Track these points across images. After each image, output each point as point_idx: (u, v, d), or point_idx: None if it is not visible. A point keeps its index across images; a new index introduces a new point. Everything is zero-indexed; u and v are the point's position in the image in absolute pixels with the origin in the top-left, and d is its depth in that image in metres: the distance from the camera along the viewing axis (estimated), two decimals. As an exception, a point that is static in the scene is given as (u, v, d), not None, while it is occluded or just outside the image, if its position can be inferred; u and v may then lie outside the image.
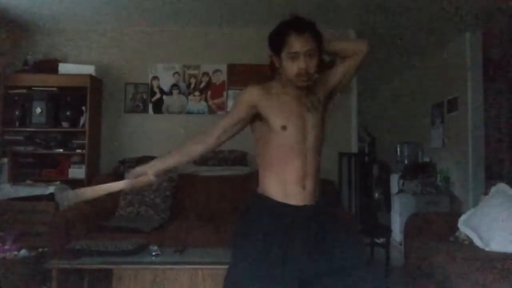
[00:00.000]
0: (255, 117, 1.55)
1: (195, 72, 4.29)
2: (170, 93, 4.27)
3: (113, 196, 3.51)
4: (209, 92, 4.27)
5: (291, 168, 1.49)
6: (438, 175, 4.79)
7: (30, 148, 3.95)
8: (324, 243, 1.45)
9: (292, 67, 1.47)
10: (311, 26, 1.49)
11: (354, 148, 4.26)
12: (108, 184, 1.71)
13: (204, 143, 1.57)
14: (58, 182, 3.76)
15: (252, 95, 1.53)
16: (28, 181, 3.82)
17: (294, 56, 1.46)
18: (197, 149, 1.59)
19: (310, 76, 1.48)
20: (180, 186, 3.62)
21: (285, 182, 1.48)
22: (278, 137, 1.49)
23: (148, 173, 1.59)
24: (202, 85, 4.27)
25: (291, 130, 1.49)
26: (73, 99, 4.04)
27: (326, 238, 1.46)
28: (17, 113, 3.97)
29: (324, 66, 1.60)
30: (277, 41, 1.49)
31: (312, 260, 1.41)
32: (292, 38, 1.46)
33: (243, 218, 1.58)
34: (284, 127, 1.49)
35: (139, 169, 1.61)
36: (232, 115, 1.56)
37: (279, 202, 1.48)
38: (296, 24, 1.48)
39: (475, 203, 3.20)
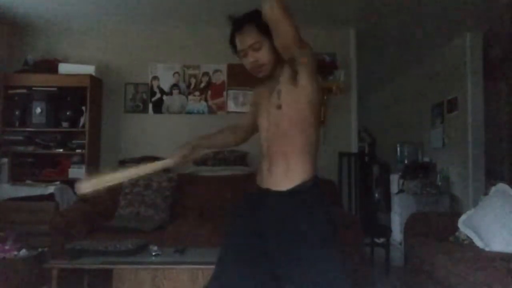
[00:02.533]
0: None
1: (195, 72, 4.29)
2: (170, 93, 4.27)
3: (113, 196, 3.52)
4: (209, 92, 4.27)
5: (262, 153, 1.58)
6: (438, 175, 4.79)
7: (30, 148, 3.95)
8: (281, 228, 1.43)
9: (246, 64, 1.58)
10: (249, 20, 1.54)
11: (354, 148, 4.26)
12: (151, 164, 1.76)
13: (240, 133, 1.79)
14: (58, 182, 3.76)
15: (253, 95, 1.75)
16: (28, 181, 3.82)
17: (243, 54, 1.56)
18: (233, 137, 1.79)
19: (264, 66, 1.55)
20: (180, 186, 3.62)
21: (260, 168, 1.58)
22: (258, 128, 1.64)
23: (193, 147, 1.71)
24: (202, 85, 4.27)
25: (260, 120, 1.61)
26: (73, 99, 4.04)
27: (282, 228, 1.43)
28: (17, 113, 3.97)
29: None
30: (231, 45, 1.60)
31: (270, 240, 1.45)
32: (236, 38, 1.56)
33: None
34: (257, 118, 1.64)
35: (181, 149, 1.72)
36: (248, 113, 1.78)
37: (256, 185, 1.59)
38: (235, 24, 1.57)
39: (475, 203, 3.20)
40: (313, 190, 1.47)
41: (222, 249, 1.54)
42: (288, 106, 1.49)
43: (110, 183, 1.58)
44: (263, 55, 1.52)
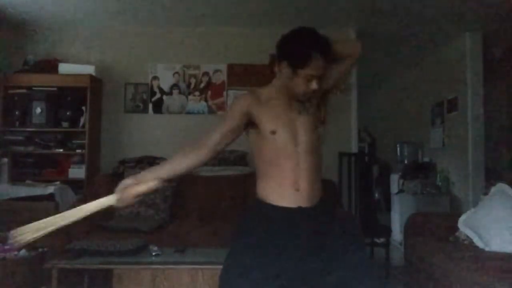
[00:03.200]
0: (249, 125, 1.54)
1: (195, 72, 4.28)
2: (170, 93, 4.27)
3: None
4: (209, 92, 4.27)
5: (283, 171, 1.48)
6: (438, 175, 4.79)
7: (30, 148, 3.95)
8: (320, 246, 1.44)
9: (303, 85, 1.46)
10: (328, 45, 1.46)
11: (354, 148, 4.26)
12: (95, 202, 1.61)
13: (196, 156, 1.51)
14: (58, 182, 3.75)
15: (244, 103, 1.52)
16: (28, 181, 3.81)
17: (309, 78, 1.45)
18: (192, 159, 1.51)
19: (315, 94, 1.52)
20: (180, 186, 3.62)
21: (279, 185, 1.48)
22: (269, 142, 1.49)
23: (137, 181, 1.55)
24: (202, 85, 4.27)
25: (280, 134, 1.48)
26: (73, 99, 4.04)
27: (323, 241, 1.45)
28: (17, 113, 3.97)
29: None
30: (300, 58, 1.42)
31: (306, 262, 1.41)
32: (317, 61, 1.42)
33: (241, 221, 1.59)
34: (273, 132, 1.48)
35: (125, 181, 1.55)
36: (225, 125, 1.53)
37: (273, 205, 1.48)
38: (319, 45, 1.43)
39: (475, 203, 3.20)
40: (328, 200, 1.62)
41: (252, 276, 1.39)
42: (319, 128, 1.57)
43: (48, 230, 1.48)
44: (321, 84, 1.50)
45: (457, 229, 2.80)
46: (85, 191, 3.80)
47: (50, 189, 3.57)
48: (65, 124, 3.99)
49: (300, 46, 1.43)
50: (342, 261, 1.43)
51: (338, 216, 1.57)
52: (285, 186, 1.47)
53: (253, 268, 1.39)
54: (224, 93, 4.26)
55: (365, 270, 1.43)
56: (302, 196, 1.47)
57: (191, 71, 4.28)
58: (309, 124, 1.53)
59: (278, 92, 1.54)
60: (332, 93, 1.65)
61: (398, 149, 5.66)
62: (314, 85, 1.45)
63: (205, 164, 1.57)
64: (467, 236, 2.70)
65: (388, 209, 5.53)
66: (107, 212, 3.35)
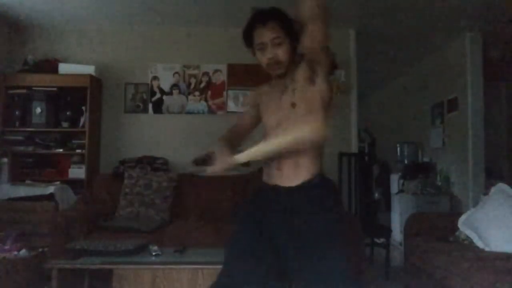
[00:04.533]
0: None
1: (195, 72, 4.29)
2: (170, 93, 4.27)
3: (113, 196, 3.53)
4: (209, 92, 4.27)
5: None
6: (438, 175, 4.79)
7: (30, 148, 3.95)
8: (293, 227, 1.45)
9: (262, 59, 1.56)
10: (274, 15, 1.52)
11: (354, 148, 4.26)
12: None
13: (242, 130, 1.75)
14: (58, 182, 3.76)
15: (253, 96, 1.74)
16: (28, 181, 3.82)
17: (261, 47, 1.54)
18: (240, 133, 1.75)
19: (281, 64, 1.54)
20: (180, 186, 3.62)
21: (268, 165, 1.58)
22: (264, 125, 1.65)
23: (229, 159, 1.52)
24: (202, 85, 4.27)
25: (268, 119, 1.62)
26: (73, 99, 4.04)
27: (297, 223, 1.45)
28: (17, 113, 3.97)
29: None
30: (245, 36, 1.58)
31: (279, 238, 1.47)
32: (256, 30, 1.53)
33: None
34: (264, 115, 1.64)
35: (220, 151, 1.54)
36: (244, 115, 1.79)
37: (264, 182, 1.61)
38: (258, 16, 1.54)
39: (475, 203, 3.20)
40: (320, 186, 1.52)
41: (229, 247, 1.54)
42: (302, 105, 1.52)
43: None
44: (282, 52, 1.53)
45: (457, 229, 2.80)
46: (85, 191, 3.80)
47: (50, 189, 3.58)
48: (65, 124, 3.99)
49: (245, 26, 1.58)
50: (314, 262, 1.38)
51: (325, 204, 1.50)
52: (271, 165, 1.56)
53: (237, 241, 1.54)
54: (224, 93, 4.26)
55: (330, 275, 1.35)
56: (282, 175, 1.53)
57: (191, 71, 4.28)
58: (287, 100, 1.55)
59: (271, 83, 1.66)
60: (314, 65, 1.50)
61: (398, 149, 5.66)
62: (267, 53, 1.53)
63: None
64: (467, 236, 2.70)
65: (388, 209, 5.53)
66: (107, 212, 3.38)
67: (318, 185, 1.51)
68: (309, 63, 1.50)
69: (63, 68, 4.00)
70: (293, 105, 1.53)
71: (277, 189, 1.54)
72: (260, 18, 1.53)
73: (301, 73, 1.54)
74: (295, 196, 1.50)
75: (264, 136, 1.60)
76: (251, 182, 3.62)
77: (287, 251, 1.44)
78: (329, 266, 1.36)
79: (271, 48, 1.52)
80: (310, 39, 1.40)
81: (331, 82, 1.59)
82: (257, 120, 1.72)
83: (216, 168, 1.48)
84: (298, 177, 1.51)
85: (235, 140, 1.69)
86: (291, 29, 1.52)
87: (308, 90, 1.52)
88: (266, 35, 1.52)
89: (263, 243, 1.47)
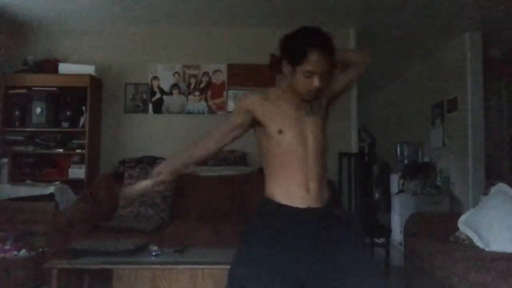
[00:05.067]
0: (256, 124, 1.57)
1: (195, 72, 4.29)
2: (170, 93, 4.27)
3: (113, 196, 3.52)
4: (209, 92, 4.27)
5: (294, 171, 1.49)
6: (438, 175, 4.79)
7: (30, 148, 3.95)
8: (328, 247, 1.45)
9: (305, 83, 1.46)
10: (331, 43, 1.44)
11: (354, 148, 4.26)
12: (137, 185, 1.73)
13: (205, 147, 1.62)
14: (58, 182, 3.76)
15: (248, 102, 1.56)
16: (28, 181, 3.82)
17: (311, 75, 1.44)
18: (200, 152, 1.63)
19: (318, 93, 1.51)
20: (180, 186, 3.62)
21: (289, 185, 1.49)
22: (276, 141, 1.51)
23: (163, 172, 1.63)
24: (202, 85, 4.27)
25: (288, 134, 1.49)
26: (73, 99, 4.04)
27: (331, 242, 1.46)
28: (17, 113, 3.97)
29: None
30: (297, 53, 1.43)
31: (315, 263, 1.42)
32: (314, 56, 1.40)
33: (250, 220, 1.59)
34: (280, 131, 1.49)
35: (157, 169, 1.65)
36: (230, 122, 1.60)
37: (283, 205, 1.48)
38: (322, 42, 1.42)
39: (475, 203, 3.20)
40: (332, 203, 1.58)
41: (254, 271, 1.41)
42: (324, 132, 1.60)
43: None
44: (326, 82, 1.50)
45: (457, 229, 2.80)
46: (85, 191, 3.80)
47: (50, 189, 3.58)
48: (65, 124, 3.99)
49: (297, 42, 1.44)
50: (348, 262, 1.43)
51: (340, 216, 1.56)
52: (295, 186, 1.48)
53: (261, 265, 1.39)
54: (224, 93, 4.25)
55: (370, 272, 1.43)
56: (312, 196, 1.49)
57: (191, 71, 4.28)
58: (317, 125, 1.55)
59: (285, 92, 1.56)
60: (339, 98, 1.67)
61: (398, 149, 5.66)
62: (315, 82, 1.43)
63: (211, 157, 1.71)
64: (467, 236, 2.69)
65: (388, 209, 5.53)
66: (107, 212, 3.38)
67: (331, 202, 1.57)
68: (333, 96, 1.65)
69: (63, 68, 4.00)
70: (323, 125, 1.59)
71: (309, 211, 1.47)
72: (324, 44, 1.42)
73: (324, 99, 1.62)
74: (327, 217, 1.52)
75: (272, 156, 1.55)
76: (250, 182, 3.63)
77: (322, 269, 1.43)
78: (366, 266, 1.44)
79: (320, 78, 1.44)
80: (351, 82, 1.65)
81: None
82: (243, 130, 1.59)
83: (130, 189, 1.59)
84: (324, 197, 1.53)
85: (188, 158, 1.66)
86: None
87: (326, 118, 1.64)
88: (323, 65, 1.42)
89: (301, 267, 1.42)
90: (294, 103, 1.53)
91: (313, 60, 1.40)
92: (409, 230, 3.08)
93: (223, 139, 1.60)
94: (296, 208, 1.47)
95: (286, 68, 1.49)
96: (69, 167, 3.95)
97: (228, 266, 1.50)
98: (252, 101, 1.55)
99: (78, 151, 3.95)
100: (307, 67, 1.42)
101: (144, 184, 1.66)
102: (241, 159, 3.90)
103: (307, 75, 1.43)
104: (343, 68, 1.62)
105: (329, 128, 1.64)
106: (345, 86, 1.67)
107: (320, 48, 1.40)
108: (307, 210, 1.47)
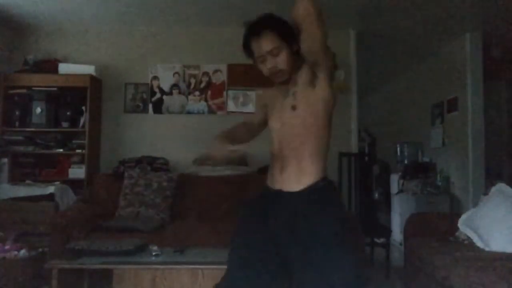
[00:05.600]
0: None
1: (195, 72, 4.29)
2: (170, 93, 4.27)
3: (113, 196, 3.52)
4: (209, 92, 4.27)
5: (274, 155, 1.58)
6: (438, 175, 4.79)
7: (30, 148, 3.95)
8: (296, 233, 1.43)
9: (264, 69, 1.56)
10: (267, 24, 1.51)
11: (354, 148, 4.26)
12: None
13: (249, 131, 1.73)
14: (58, 182, 3.75)
15: (262, 96, 1.75)
16: (28, 181, 3.82)
17: (261, 60, 1.54)
18: (247, 134, 1.72)
19: (283, 72, 1.54)
20: (180, 186, 3.62)
21: (271, 169, 1.59)
22: (270, 130, 1.64)
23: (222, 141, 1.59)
24: (202, 85, 4.27)
25: (272, 121, 1.61)
26: (73, 99, 4.04)
27: (301, 228, 1.43)
28: (17, 113, 3.97)
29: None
30: (245, 50, 1.58)
31: (283, 240, 1.45)
32: (253, 43, 1.53)
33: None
34: (270, 119, 1.63)
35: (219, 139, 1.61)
36: (256, 113, 1.80)
37: (266, 186, 1.60)
38: (252, 29, 1.53)
39: (475, 203, 3.20)
40: (324, 190, 1.51)
41: (232, 251, 1.53)
42: (303, 108, 1.52)
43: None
44: (282, 61, 1.52)
45: (457, 229, 2.80)
46: (85, 191, 3.80)
47: (50, 189, 3.57)
48: (65, 124, 3.99)
49: (243, 40, 1.57)
50: (317, 266, 1.36)
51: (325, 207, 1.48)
52: (275, 169, 1.56)
53: (242, 237, 1.54)
54: (224, 93, 4.25)
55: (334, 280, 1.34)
56: (285, 179, 1.52)
57: (191, 71, 4.28)
58: (288, 103, 1.55)
59: (276, 86, 1.65)
60: (319, 65, 1.50)
61: (398, 149, 5.65)
62: (267, 64, 1.52)
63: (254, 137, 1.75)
64: (467, 236, 2.70)
65: (388, 209, 5.53)
66: (107, 212, 3.38)
67: (322, 188, 1.50)
68: (312, 66, 1.50)
69: (63, 68, 4.00)
70: (294, 107, 1.52)
71: (280, 194, 1.52)
72: (254, 30, 1.52)
73: (303, 76, 1.54)
74: (298, 201, 1.48)
75: (270, 139, 1.62)
76: (250, 182, 3.62)
77: (291, 256, 1.42)
78: (334, 268, 1.34)
79: (270, 59, 1.51)
80: (310, 41, 1.41)
81: (332, 84, 1.57)
82: (265, 121, 1.69)
83: (213, 154, 1.51)
84: (301, 182, 1.49)
85: (236, 135, 1.65)
86: (288, 34, 1.51)
87: (310, 93, 1.52)
88: (263, 47, 1.51)
89: (266, 249, 1.46)
90: (281, 90, 1.61)
91: (253, 46, 1.53)
92: (409, 230, 3.08)
93: (256, 126, 1.72)
94: (270, 189, 1.56)
95: (258, 66, 1.59)
96: (69, 167, 3.95)
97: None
98: (264, 96, 1.73)
99: (78, 151, 3.95)
100: (256, 54, 1.54)
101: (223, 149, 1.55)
102: (241, 159, 3.90)
103: (260, 61, 1.55)
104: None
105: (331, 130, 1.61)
106: (308, 48, 1.45)
107: (251, 33, 1.52)
108: (279, 193, 1.52)
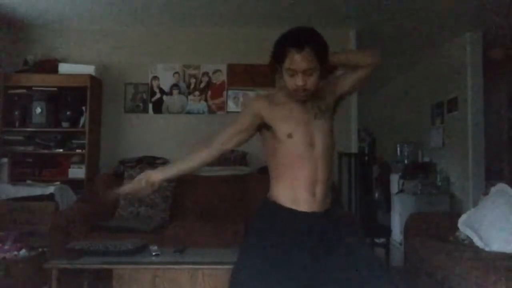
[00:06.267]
0: (263, 127, 1.57)
1: (195, 72, 4.28)
2: (170, 93, 4.27)
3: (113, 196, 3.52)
4: (209, 92, 4.27)
5: (300, 175, 1.49)
6: (438, 175, 4.79)
7: (30, 148, 3.95)
8: (333, 251, 1.44)
9: (290, 82, 1.48)
10: (313, 42, 1.44)
11: (354, 148, 4.26)
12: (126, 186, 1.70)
13: (207, 150, 1.60)
14: (58, 182, 3.75)
15: (256, 105, 1.57)
16: (28, 181, 3.82)
17: (292, 73, 1.46)
18: (201, 156, 1.62)
19: (308, 91, 1.49)
20: (180, 186, 3.62)
21: (294, 189, 1.50)
22: (285, 145, 1.51)
23: (152, 177, 1.61)
24: (202, 85, 4.27)
25: (298, 137, 1.50)
26: (73, 99, 4.04)
27: (335, 246, 1.45)
28: (17, 113, 3.97)
29: (328, 71, 1.59)
30: (277, 53, 1.48)
31: (319, 267, 1.42)
32: (291, 54, 1.43)
33: (252, 222, 1.61)
34: (290, 135, 1.50)
35: (143, 174, 1.63)
36: (237, 123, 1.59)
37: (288, 208, 1.49)
38: (297, 40, 1.44)
39: (475, 203, 3.20)
40: (336, 202, 1.57)
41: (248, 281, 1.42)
42: (329, 128, 1.59)
43: None
44: (312, 82, 1.47)
45: (457, 229, 2.80)
46: (85, 191, 3.80)
47: (50, 189, 3.57)
48: (65, 124, 3.99)
49: (279, 41, 1.48)
50: (352, 262, 1.42)
51: (341, 217, 1.55)
52: (300, 189, 1.49)
53: (266, 269, 1.39)
54: (224, 93, 4.25)
55: (376, 270, 1.42)
56: (317, 201, 1.49)
57: (191, 71, 4.28)
58: (325, 129, 1.54)
59: (288, 95, 1.55)
60: (342, 100, 1.66)
61: (398, 149, 5.65)
62: (298, 80, 1.45)
63: (212, 162, 1.64)
64: (467, 236, 2.70)
65: (388, 209, 5.53)
66: (107, 212, 3.38)
67: (336, 205, 1.58)
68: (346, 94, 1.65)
69: (63, 68, 4.00)
70: (323, 126, 1.56)
71: (314, 216, 1.48)
72: (297, 43, 1.42)
73: (327, 97, 1.61)
74: (330, 221, 1.51)
75: (277, 153, 1.55)
76: (250, 182, 3.63)
77: (336, 271, 1.43)
78: (367, 259, 1.44)
79: (302, 77, 1.45)
80: (363, 82, 1.61)
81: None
82: (250, 134, 1.60)
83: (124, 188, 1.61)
84: (327, 200, 1.53)
85: (179, 168, 1.67)
86: (325, 55, 1.49)
87: (331, 115, 1.61)
88: (300, 64, 1.43)
89: (310, 271, 1.42)
90: (301, 105, 1.54)
91: (292, 58, 1.43)
92: (409, 230, 3.08)
93: (227, 143, 1.59)
94: (301, 213, 1.48)
95: (278, 70, 1.52)
96: (69, 167, 3.95)
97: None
98: (262, 105, 1.55)
99: (78, 151, 3.95)
100: (287, 65, 1.45)
101: (132, 185, 1.64)
102: (241, 159, 3.90)
103: (289, 73, 1.46)
104: (353, 69, 1.62)
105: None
106: (352, 88, 1.64)
107: (295, 45, 1.42)
108: (311, 214, 1.47)
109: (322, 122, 1.54)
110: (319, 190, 1.49)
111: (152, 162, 3.85)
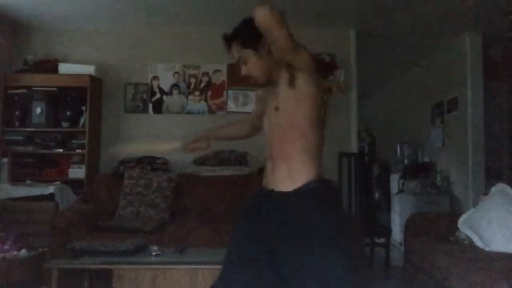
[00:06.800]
0: None
1: (195, 72, 4.28)
2: (170, 93, 4.26)
3: (113, 196, 3.53)
4: (209, 92, 4.27)
5: (267, 156, 1.59)
6: (438, 175, 4.79)
7: (30, 148, 3.95)
8: (281, 226, 1.45)
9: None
10: (235, 35, 1.62)
11: (354, 148, 4.26)
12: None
13: (244, 125, 1.87)
14: (58, 182, 3.76)
15: (261, 94, 1.77)
16: (28, 181, 3.82)
17: (238, 67, 1.65)
18: (241, 127, 1.88)
19: (254, 78, 1.61)
20: (180, 186, 3.62)
21: (266, 169, 1.60)
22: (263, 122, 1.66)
23: (203, 138, 1.86)
24: (202, 85, 4.27)
25: (264, 122, 1.64)
26: (73, 99, 4.04)
27: (290, 230, 1.43)
28: (17, 113, 3.97)
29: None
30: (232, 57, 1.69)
31: (275, 241, 1.45)
32: (230, 52, 1.66)
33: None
34: (263, 119, 1.66)
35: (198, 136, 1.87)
36: (257, 107, 1.83)
37: (260, 186, 1.61)
38: (224, 42, 1.67)
39: (475, 203, 3.20)
40: (317, 190, 1.47)
41: (228, 251, 1.54)
42: (285, 108, 1.52)
43: None
44: (251, 68, 1.60)
45: (457, 229, 2.80)
46: (85, 191, 3.80)
47: (50, 189, 3.58)
48: (65, 124, 3.99)
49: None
50: (308, 268, 1.36)
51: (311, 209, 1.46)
52: (267, 168, 1.58)
53: (230, 250, 1.54)
54: (224, 93, 4.25)
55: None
56: (276, 179, 1.52)
57: (191, 71, 4.28)
58: (272, 105, 1.56)
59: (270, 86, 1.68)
60: (292, 68, 1.51)
61: (398, 149, 5.66)
62: (242, 71, 1.63)
63: (248, 136, 1.88)
64: (467, 236, 2.70)
65: (388, 209, 5.53)
66: (107, 212, 3.38)
67: (315, 189, 1.47)
68: (287, 66, 1.51)
69: (63, 68, 4.00)
70: (276, 108, 1.53)
71: (272, 194, 1.51)
72: (225, 43, 1.66)
73: (283, 77, 1.54)
74: (290, 202, 1.47)
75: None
76: (250, 182, 3.63)
77: (282, 256, 1.42)
78: (323, 268, 1.35)
79: (243, 67, 1.62)
80: (275, 44, 1.44)
81: (317, 83, 1.54)
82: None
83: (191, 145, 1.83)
84: (292, 182, 1.48)
85: (222, 132, 2.02)
86: (251, 40, 1.57)
87: (291, 93, 1.50)
88: (234, 57, 1.64)
89: (262, 248, 1.46)
90: (270, 92, 1.64)
91: (231, 54, 1.66)
92: (409, 230, 3.08)
93: (256, 121, 1.75)
94: (263, 189, 1.57)
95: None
96: (69, 167, 3.95)
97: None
98: (261, 93, 1.78)
99: (78, 151, 3.95)
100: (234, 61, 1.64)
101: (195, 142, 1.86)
102: (241, 159, 3.90)
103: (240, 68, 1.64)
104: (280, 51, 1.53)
105: (329, 128, 1.62)
106: (277, 49, 1.46)
107: (225, 46, 1.67)
108: (271, 193, 1.52)
109: (271, 99, 1.58)
110: (277, 169, 1.51)
111: (152, 162, 3.85)
